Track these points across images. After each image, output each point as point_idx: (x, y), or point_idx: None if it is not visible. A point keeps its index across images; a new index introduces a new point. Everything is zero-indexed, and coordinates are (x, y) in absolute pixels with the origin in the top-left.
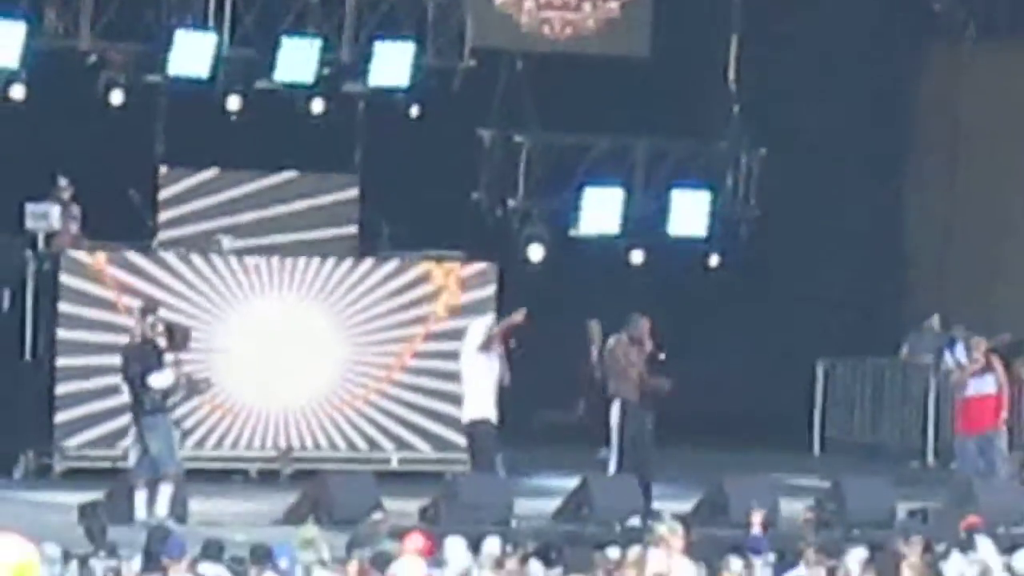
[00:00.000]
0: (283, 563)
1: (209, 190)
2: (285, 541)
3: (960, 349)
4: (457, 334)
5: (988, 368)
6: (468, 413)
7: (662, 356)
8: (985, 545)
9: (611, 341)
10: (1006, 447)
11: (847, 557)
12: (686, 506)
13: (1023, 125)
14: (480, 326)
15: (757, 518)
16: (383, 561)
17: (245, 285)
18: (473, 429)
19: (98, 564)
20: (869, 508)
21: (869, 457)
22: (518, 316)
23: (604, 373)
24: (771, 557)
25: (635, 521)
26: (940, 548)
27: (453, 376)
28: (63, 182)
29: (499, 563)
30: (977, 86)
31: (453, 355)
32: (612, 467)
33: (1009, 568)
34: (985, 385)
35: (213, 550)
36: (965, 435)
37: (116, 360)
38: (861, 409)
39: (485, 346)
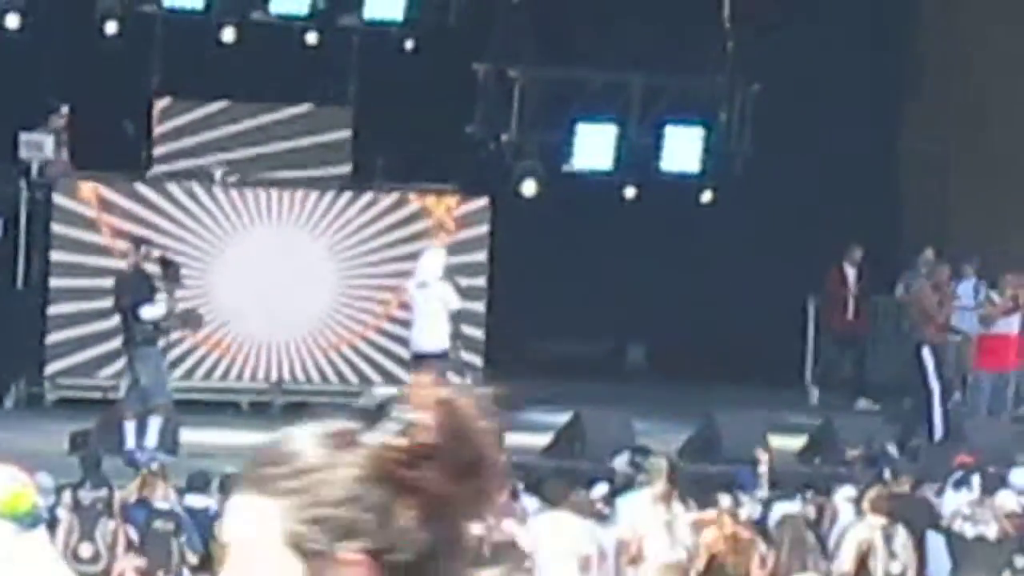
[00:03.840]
0: None
1: (204, 125)
2: None
3: (974, 284)
4: (454, 269)
5: (1016, 307)
6: (416, 344)
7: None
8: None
9: (914, 287)
10: (1013, 389)
11: (835, 495)
12: (676, 442)
13: (1018, 62)
14: (437, 256)
15: (763, 457)
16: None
17: (239, 217)
18: (418, 362)
19: (89, 495)
20: (860, 445)
21: (860, 394)
22: None
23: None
24: (760, 493)
25: (625, 457)
26: (935, 485)
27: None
28: (63, 109)
29: None
30: (975, 20)
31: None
32: (938, 417)
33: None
34: (1011, 324)
35: (199, 481)
36: (984, 371)
37: (108, 299)
38: (853, 345)
39: (443, 277)
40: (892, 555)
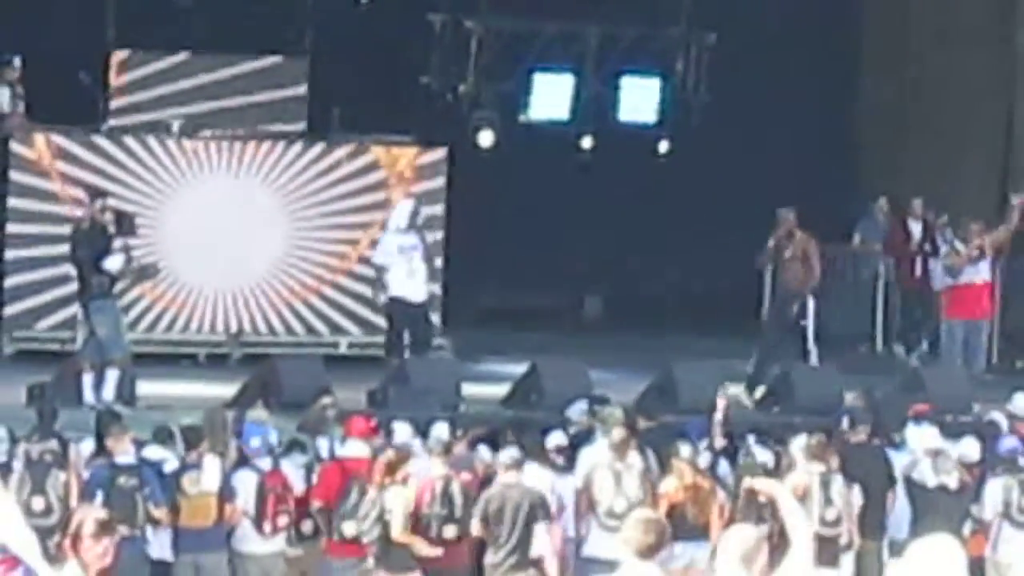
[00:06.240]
0: (255, 442)
1: (161, 77)
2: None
3: (947, 234)
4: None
5: (983, 255)
6: (388, 291)
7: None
8: (929, 432)
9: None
10: (986, 338)
11: (791, 444)
12: (634, 392)
13: (974, 11)
14: (406, 206)
15: (721, 404)
16: None
17: (196, 168)
18: (391, 307)
19: (38, 447)
20: (817, 395)
21: (817, 343)
22: None
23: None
24: (715, 442)
25: (582, 406)
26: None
27: None
28: (16, 62)
29: (447, 448)
30: None
31: None
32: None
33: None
34: (980, 272)
35: (163, 435)
36: (955, 320)
37: (63, 245)
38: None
39: (409, 227)
40: (828, 502)
